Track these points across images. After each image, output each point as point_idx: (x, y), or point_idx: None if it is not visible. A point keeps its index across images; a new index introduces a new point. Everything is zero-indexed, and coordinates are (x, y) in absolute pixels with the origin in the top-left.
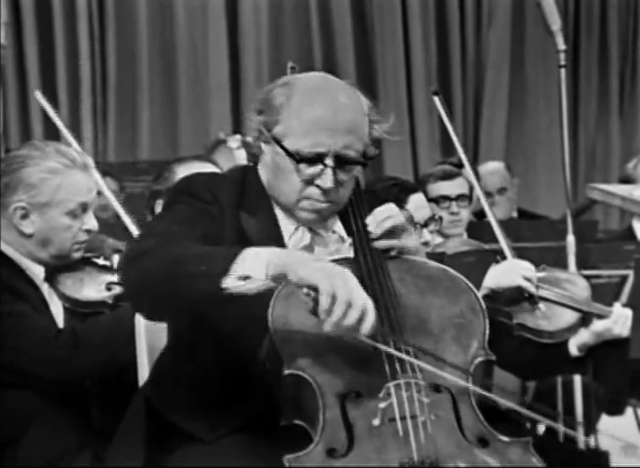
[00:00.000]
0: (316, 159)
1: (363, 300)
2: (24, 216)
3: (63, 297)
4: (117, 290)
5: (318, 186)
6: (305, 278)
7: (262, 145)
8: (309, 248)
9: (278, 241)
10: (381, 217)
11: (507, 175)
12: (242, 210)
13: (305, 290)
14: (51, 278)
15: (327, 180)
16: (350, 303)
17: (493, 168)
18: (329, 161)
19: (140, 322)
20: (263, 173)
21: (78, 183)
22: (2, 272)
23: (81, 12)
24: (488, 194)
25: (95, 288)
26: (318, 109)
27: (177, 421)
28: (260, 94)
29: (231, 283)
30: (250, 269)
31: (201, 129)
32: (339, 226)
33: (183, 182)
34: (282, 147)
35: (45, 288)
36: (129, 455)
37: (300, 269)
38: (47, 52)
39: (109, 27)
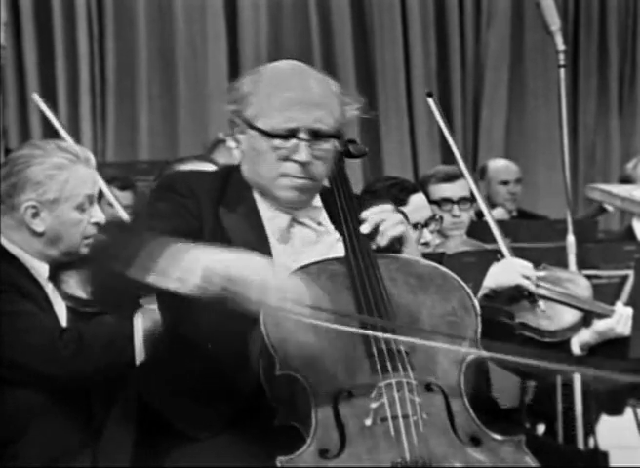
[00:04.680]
0: (290, 134)
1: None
2: (35, 215)
3: (66, 296)
4: None
5: (295, 161)
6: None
7: (239, 137)
8: (292, 237)
9: (260, 231)
10: (377, 219)
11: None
12: (222, 205)
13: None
14: (54, 277)
15: (303, 154)
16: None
17: (505, 162)
18: (302, 135)
19: (138, 320)
20: (244, 164)
21: (84, 176)
22: (7, 271)
23: (80, 12)
24: (505, 183)
25: None
26: (287, 89)
27: (167, 417)
28: (231, 86)
29: (155, 280)
30: (181, 270)
31: (201, 129)
32: (324, 218)
33: (165, 179)
34: (255, 127)
35: (49, 287)
36: (117, 449)
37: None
38: (46, 52)
39: (108, 28)
